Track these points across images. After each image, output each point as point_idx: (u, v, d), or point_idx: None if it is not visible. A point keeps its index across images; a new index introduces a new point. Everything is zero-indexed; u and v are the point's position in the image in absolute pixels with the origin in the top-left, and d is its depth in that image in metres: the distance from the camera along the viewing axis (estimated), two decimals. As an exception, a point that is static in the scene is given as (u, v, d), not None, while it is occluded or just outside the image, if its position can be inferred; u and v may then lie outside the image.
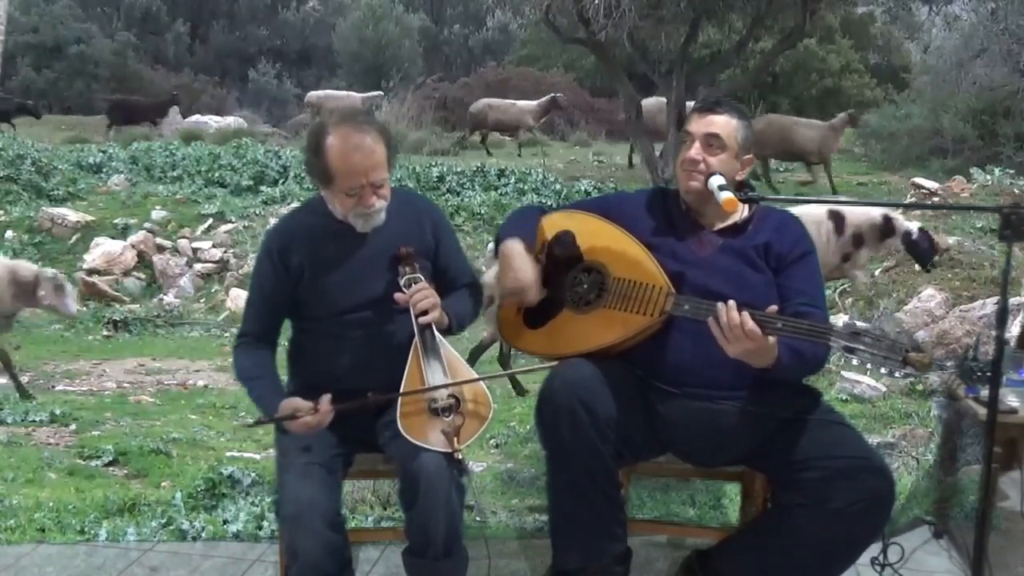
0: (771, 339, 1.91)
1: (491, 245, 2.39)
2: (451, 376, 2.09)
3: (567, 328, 2.23)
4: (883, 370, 1.82)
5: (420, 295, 2.13)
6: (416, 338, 2.13)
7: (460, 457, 2.00)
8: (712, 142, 2.14)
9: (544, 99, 15.09)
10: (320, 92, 17.69)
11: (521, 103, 15.16)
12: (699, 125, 2.17)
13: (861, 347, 1.83)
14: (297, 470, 2.02)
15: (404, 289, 2.15)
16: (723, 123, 2.15)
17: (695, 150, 2.15)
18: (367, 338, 2.20)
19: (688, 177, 2.17)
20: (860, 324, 1.90)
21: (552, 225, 2.34)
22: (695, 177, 2.16)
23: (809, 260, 2.18)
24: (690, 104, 11.02)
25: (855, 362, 1.86)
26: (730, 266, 2.14)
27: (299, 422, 2.04)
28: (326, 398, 2.07)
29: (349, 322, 2.20)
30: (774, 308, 1.93)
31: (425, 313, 2.13)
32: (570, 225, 2.32)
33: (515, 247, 2.25)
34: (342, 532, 2.04)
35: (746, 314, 1.89)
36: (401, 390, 2.09)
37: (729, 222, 2.21)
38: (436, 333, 2.14)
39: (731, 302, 1.92)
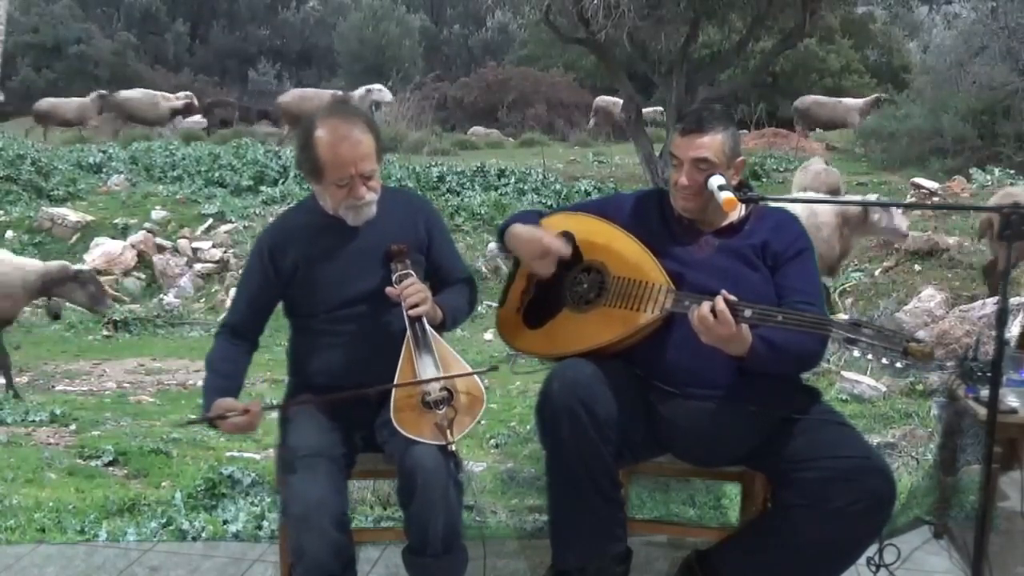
0: (743, 326, 1.93)
1: (491, 244, 2.41)
2: (444, 370, 2.10)
3: (567, 328, 2.23)
4: (884, 361, 1.82)
5: (410, 289, 2.13)
6: (408, 333, 2.13)
7: (454, 449, 2.00)
8: (701, 166, 2.13)
9: (870, 98, 15.24)
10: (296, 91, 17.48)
11: (847, 100, 15.50)
12: (686, 150, 2.14)
13: (862, 338, 1.83)
14: (304, 469, 2.02)
15: (396, 285, 2.15)
16: (709, 143, 2.13)
17: (685, 177, 2.14)
18: (362, 333, 2.21)
19: (682, 199, 2.18)
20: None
21: (551, 226, 2.34)
22: (689, 199, 2.17)
23: (806, 258, 2.18)
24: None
25: (856, 353, 1.86)
26: (728, 266, 2.14)
27: (228, 423, 2.06)
28: (256, 402, 2.10)
29: (344, 317, 2.21)
30: (725, 294, 1.94)
31: (415, 307, 2.13)
32: (569, 226, 2.32)
33: (517, 227, 2.28)
34: (348, 532, 2.04)
35: (718, 298, 1.91)
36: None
37: (725, 222, 2.21)
38: (428, 327, 2.14)
39: (718, 297, 1.93)
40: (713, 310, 1.91)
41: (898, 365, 1.83)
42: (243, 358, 2.28)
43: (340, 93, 15.21)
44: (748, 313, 1.94)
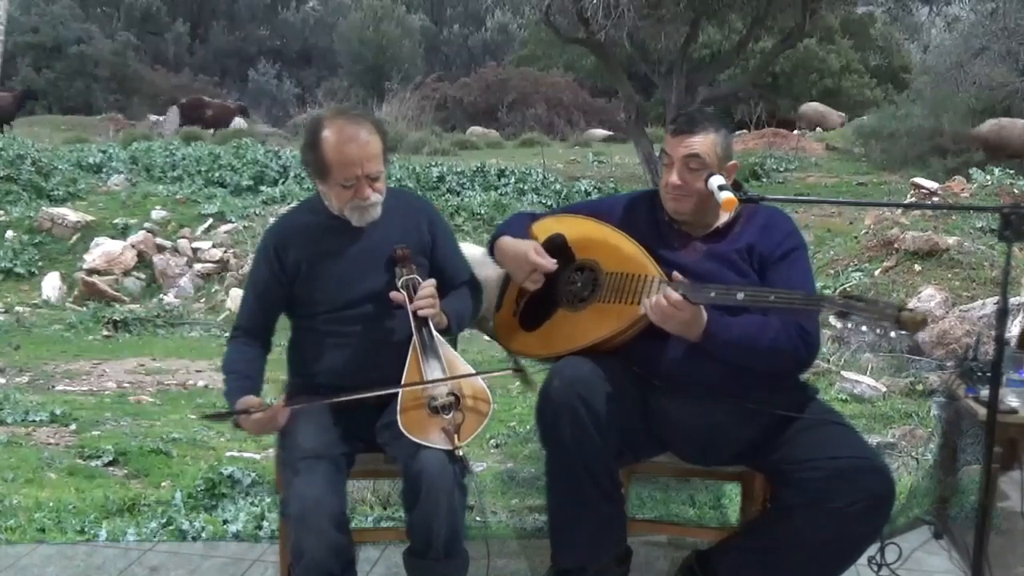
0: (699, 307, 1.96)
1: (484, 250, 2.42)
2: (451, 374, 2.09)
3: (563, 327, 2.23)
4: (878, 331, 1.82)
5: (421, 292, 2.14)
6: (414, 338, 2.13)
7: (461, 455, 2.00)
8: (693, 164, 2.12)
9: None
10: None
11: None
12: (677, 148, 2.14)
13: (854, 311, 1.80)
14: (303, 469, 2.02)
15: (401, 291, 2.15)
16: (701, 142, 2.12)
17: (676, 176, 2.14)
18: (366, 334, 2.20)
19: (673, 200, 2.17)
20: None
21: (543, 230, 2.34)
22: (680, 200, 2.16)
23: (796, 257, 2.17)
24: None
25: (850, 325, 1.85)
26: (715, 271, 2.13)
27: (252, 419, 2.04)
28: (280, 399, 2.09)
29: (347, 318, 2.21)
30: (678, 275, 2.00)
31: (424, 311, 2.13)
32: (560, 228, 2.33)
33: (504, 240, 2.29)
34: (347, 532, 2.04)
35: (665, 287, 1.96)
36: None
37: (712, 228, 2.21)
38: (434, 332, 2.14)
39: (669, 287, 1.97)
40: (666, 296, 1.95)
41: (892, 335, 1.83)
42: (259, 358, 2.27)
43: None
44: (741, 296, 1.93)
